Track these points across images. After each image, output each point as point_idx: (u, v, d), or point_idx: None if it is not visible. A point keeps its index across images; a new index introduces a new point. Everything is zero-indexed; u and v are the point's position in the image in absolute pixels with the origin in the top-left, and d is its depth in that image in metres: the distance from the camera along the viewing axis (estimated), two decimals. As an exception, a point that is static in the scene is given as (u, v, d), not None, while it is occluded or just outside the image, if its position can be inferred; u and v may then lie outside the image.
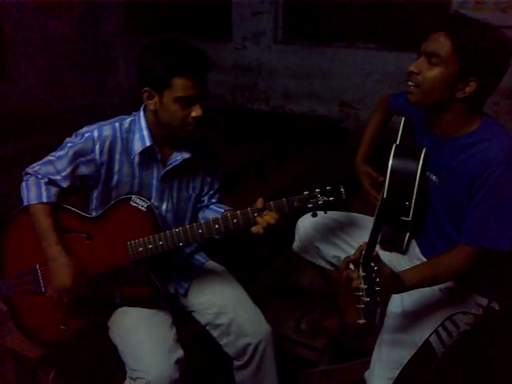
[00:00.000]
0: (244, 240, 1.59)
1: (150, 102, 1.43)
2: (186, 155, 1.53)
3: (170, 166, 1.53)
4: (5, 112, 4.86)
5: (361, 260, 1.19)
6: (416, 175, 1.45)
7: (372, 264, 1.17)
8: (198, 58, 1.39)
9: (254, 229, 1.41)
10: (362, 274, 1.16)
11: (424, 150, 1.47)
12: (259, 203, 1.40)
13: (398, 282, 1.28)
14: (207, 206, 1.70)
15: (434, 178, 1.46)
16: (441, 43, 1.28)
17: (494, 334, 1.93)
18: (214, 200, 1.71)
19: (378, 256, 1.21)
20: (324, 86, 5.05)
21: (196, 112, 1.40)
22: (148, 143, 1.47)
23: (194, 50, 1.40)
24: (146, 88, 1.41)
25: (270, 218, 1.39)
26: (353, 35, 4.92)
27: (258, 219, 1.40)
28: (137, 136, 1.48)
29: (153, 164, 1.52)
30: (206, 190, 1.68)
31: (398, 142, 1.59)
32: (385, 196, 1.52)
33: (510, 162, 1.27)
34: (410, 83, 1.36)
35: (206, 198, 1.69)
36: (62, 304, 1.46)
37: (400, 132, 1.62)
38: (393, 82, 4.48)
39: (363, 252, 1.20)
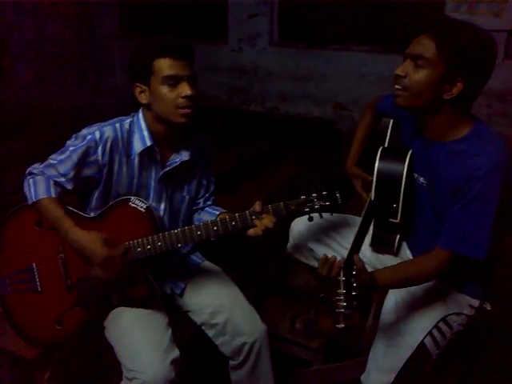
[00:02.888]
0: (239, 241, 1.60)
1: (142, 95, 1.46)
2: (185, 157, 1.54)
3: (169, 168, 1.54)
4: (1, 113, 4.85)
5: (342, 265, 1.20)
6: (402, 177, 1.45)
7: (353, 268, 1.18)
8: (175, 40, 1.43)
9: (252, 232, 1.42)
10: (341, 278, 1.17)
11: (410, 152, 1.47)
12: (257, 206, 1.42)
13: (372, 281, 1.29)
14: (202, 209, 1.71)
15: (421, 179, 1.47)
16: (425, 45, 1.28)
17: (487, 334, 1.95)
18: (209, 202, 1.72)
19: (359, 260, 1.22)
20: (319, 87, 5.08)
21: (184, 91, 1.41)
22: (148, 143, 1.48)
23: (168, 36, 1.43)
24: (136, 84, 1.45)
25: (268, 221, 1.41)
26: (347, 38, 4.95)
27: (257, 222, 1.41)
28: (137, 136, 1.49)
29: (152, 165, 1.53)
30: (201, 192, 1.70)
31: (386, 145, 1.59)
32: (372, 199, 1.53)
33: (494, 173, 1.27)
34: (398, 87, 1.35)
35: (201, 201, 1.70)
36: (114, 277, 1.42)
37: (388, 134, 1.62)
38: (386, 84, 4.48)
39: (345, 256, 1.21)
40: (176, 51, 1.41)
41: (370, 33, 4.82)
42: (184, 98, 1.41)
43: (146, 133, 1.48)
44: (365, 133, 1.82)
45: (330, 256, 1.29)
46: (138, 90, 1.45)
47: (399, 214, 1.48)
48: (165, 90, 1.41)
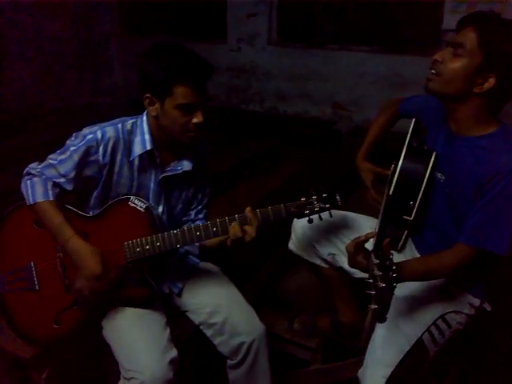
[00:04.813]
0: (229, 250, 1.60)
1: (151, 108, 1.43)
2: (187, 168, 1.53)
3: (169, 174, 1.53)
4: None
5: (372, 248, 1.20)
6: (424, 178, 1.47)
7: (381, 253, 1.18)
8: (200, 66, 1.39)
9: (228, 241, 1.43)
10: (375, 261, 1.17)
11: (434, 154, 1.49)
12: (247, 211, 1.42)
13: (397, 273, 1.29)
14: (193, 221, 1.68)
15: (439, 175, 1.48)
16: (468, 36, 1.31)
17: (486, 335, 1.95)
18: (200, 216, 1.70)
19: (389, 244, 1.22)
20: (317, 87, 5.08)
21: (197, 118, 1.42)
22: (149, 147, 1.47)
23: (195, 56, 1.40)
24: (147, 95, 1.42)
25: (237, 231, 1.40)
26: (346, 38, 4.96)
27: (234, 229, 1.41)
28: (138, 139, 1.48)
29: (151, 167, 1.53)
30: (194, 204, 1.68)
31: (406, 143, 1.60)
32: (390, 193, 1.53)
33: None
34: (432, 71, 1.38)
35: (193, 213, 1.68)
36: (93, 297, 1.44)
37: (409, 133, 1.63)
38: (385, 84, 4.52)
39: (374, 241, 1.21)
40: (199, 80, 1.39)
41: (368, 33, 4.82)
42: (194, 124, 1.42)
43: (147, 136, 1.47)
44: (380, 130, 1.84)
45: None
46: (148, 101, 1.43)
47: (414, 212, 1.49)
48: (177, 113, 1.40)
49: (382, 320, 1.14)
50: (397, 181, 1.51)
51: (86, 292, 1.43)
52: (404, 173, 1.51)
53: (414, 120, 1.65)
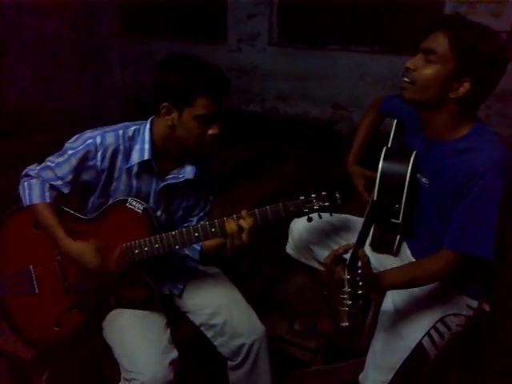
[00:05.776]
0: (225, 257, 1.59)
1: (167, 117, 1.42)
2: (189, 175, 1.53)
3: (170, 182, 1.53)
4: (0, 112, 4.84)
5: (346, 263, 1.19)
6: (406, 178, 1.45)
7: (358, 265, 1.17)
8: (221, 79, 1.42)
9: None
10: (346, 276, 1.16)
11: (414, 153, 1.47)
12: (243, 212, 1.42)
13: (375, 282, 1.29)
14: None
15: (424, 180, 1.47)
16: (439, 41, 1.29)
17: (486, 335, 1.95)
18: (202, 222, 1.70)
19: (364, 254, 1.22)
20: (318, 88, 5.08)
21: (213, 130, 1.44)
22: (146, 157, 1.46)
23: (214, 69, 1.42)
24: (164, 103, 1.41)
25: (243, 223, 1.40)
26: (346, 38, 4.95)
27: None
28: (137, 147, 1.47)
29: (151, 175, 1.52)
30: (196, 211, 1.67)
31: (389, 145, 1.60)
32: (375, 198, 1.53)
33: (496, 170, 1.27)
34: (405, 79, 1.36)
35: (194, 219, 1.67)
36: (117, 280, 1.45)
37: (392, 135, 1.63)
38: (385, 84, 4.51)
39: (349, 255, 1.21)
40: (219, 92, 1.42)
41: (369, 33, 4.82)
42: (210, 135, 1.43)
43: (147, 145, 1.46)
44: (366, 131, 1.82)
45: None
46: (165, 110, 1.42)
47: (401, 215, 1.48)
48: (195, 124, 1.41)
49: (350, 338, 1.13)
50: (379, 184, 1.50)
51: (104, 282, 1.44)
52: (385, 175, 1.50)
53: (395, 121, 1.64)
